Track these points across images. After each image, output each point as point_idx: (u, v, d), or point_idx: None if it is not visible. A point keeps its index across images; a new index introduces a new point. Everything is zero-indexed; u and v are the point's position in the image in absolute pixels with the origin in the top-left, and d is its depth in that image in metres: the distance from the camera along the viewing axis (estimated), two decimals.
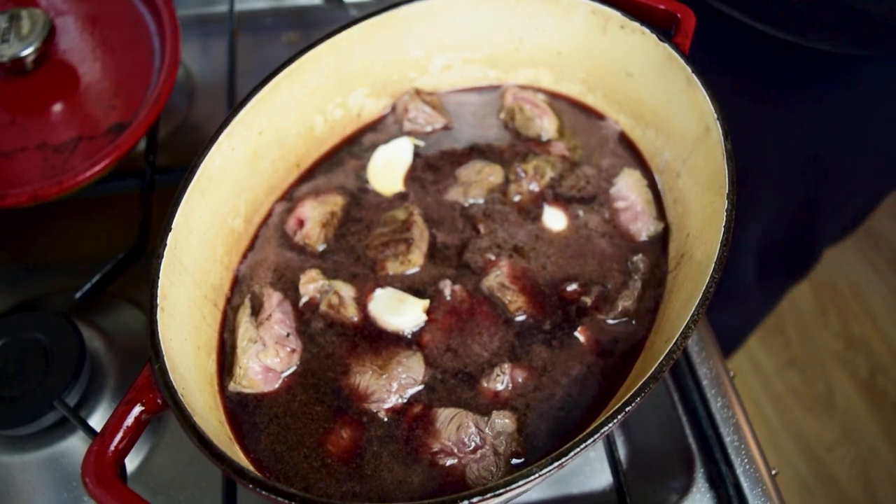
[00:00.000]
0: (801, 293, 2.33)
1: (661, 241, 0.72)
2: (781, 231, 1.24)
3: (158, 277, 0.60)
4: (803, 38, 0.94)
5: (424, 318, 0.68)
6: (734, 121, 0.66)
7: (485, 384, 0.64)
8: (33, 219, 0.96)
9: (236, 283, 0.72)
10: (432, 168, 0.79)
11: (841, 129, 1.07)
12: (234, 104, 0.70)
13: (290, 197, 0.77)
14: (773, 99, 1.08)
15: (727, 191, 0.61)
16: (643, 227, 0.73)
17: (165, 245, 0.61)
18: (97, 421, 0.79)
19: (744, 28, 0.96)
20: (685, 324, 0.55)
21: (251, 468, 0.56)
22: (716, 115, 0.66)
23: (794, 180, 1.14)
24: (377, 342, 0.67)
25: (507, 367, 0.64)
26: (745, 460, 0.77)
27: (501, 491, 0.49)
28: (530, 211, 0.75)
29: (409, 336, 0.67)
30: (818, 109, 1.06)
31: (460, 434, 0.60)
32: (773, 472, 0.78)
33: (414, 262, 0.71)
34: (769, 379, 2.23)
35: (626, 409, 0.51)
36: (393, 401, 0.63)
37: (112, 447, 0.53)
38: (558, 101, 0.83)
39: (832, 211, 1.20)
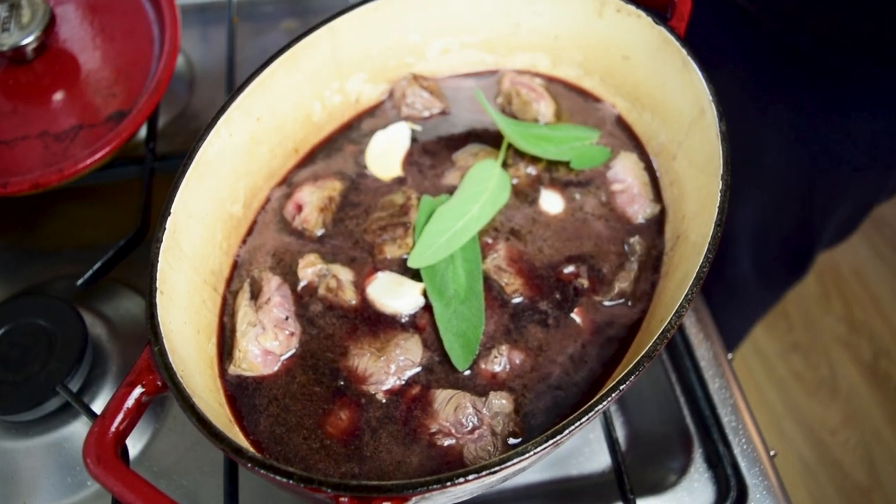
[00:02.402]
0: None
1: (658, 224, 0.72)
2: (776, 224, 1.24)
3: (157, 261, 0.60)
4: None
5: (422, 300, 0.68)
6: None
7: (482, 366, 0.64)
8: (35, 206, 0.97)
9: (235, 267, 0.72)
10: (430, 153, 0.79)
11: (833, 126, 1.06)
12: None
13: (289, 182, 0.78)
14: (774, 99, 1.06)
15: (721, 172, 0.61)
16: (640, 209, 0.73)
17: (164, 229, 0.62)
18: (99, 406, 0.80)
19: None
20: (679, 303, 0.55)
21: (251, 449, 0.57)
22: (710, 98, 0.66)
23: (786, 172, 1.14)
24: (375, 325, 0.67)
25: (504, 348, 0.65)
26: (743, 440, 0.77)
27: (497, 468, 0.49)
28: (527, 194, 0.75)
29: (407, 319, 0.68)
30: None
31: (458, 415, 0.60)
32: (772, 452, 0.78)
33: (411, 246, 0.71)
34: (772, 363, 2.23)
35: (621, 388, 0.51)
36: (391, 382, 0.64)
37: (113, 428, 0.53)
38: (555, 85, 0.83)
39: (825, 206, 1.19)
